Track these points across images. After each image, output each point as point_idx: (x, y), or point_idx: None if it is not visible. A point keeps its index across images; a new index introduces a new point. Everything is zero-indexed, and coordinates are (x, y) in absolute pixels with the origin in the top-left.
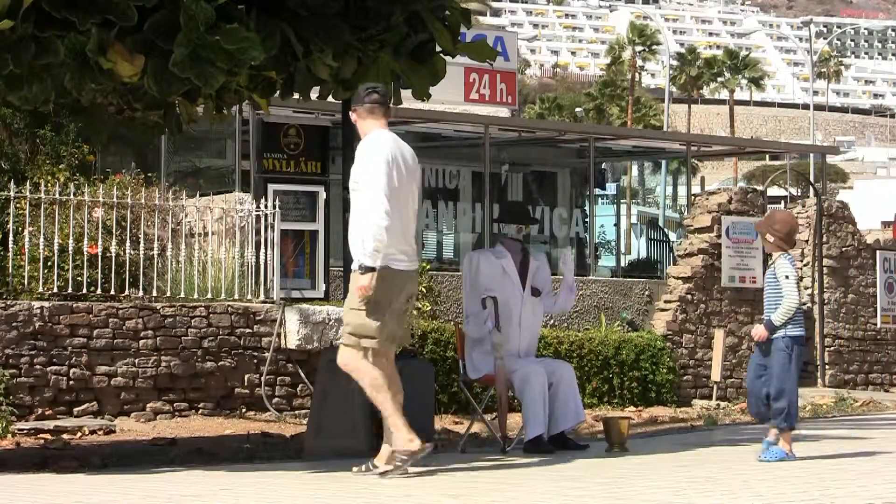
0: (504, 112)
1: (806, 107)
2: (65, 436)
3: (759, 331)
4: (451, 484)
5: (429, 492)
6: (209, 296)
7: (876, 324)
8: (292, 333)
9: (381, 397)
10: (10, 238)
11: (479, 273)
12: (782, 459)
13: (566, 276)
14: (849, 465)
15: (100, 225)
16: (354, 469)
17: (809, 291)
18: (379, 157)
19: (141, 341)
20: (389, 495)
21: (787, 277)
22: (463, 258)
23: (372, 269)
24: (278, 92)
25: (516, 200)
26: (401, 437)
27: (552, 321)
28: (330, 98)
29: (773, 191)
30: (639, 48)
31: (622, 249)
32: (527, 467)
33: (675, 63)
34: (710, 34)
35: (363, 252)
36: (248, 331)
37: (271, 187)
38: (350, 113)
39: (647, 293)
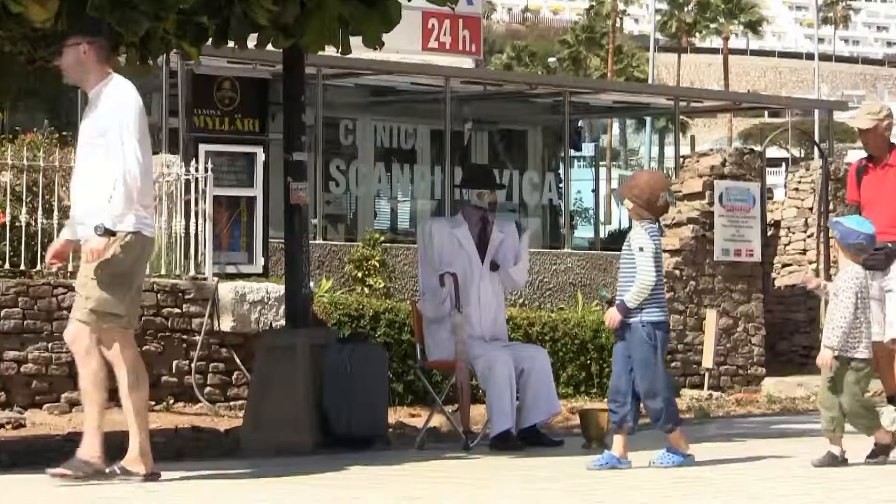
0: (467, 63)
1: (810, 56)
2: None
3: (610, 314)
4: (407, 485)
5: (381, 494)
6: None
7: None
8: (227, 314)
9: (94, 396)
10: None
11: (431, 244)
12: (682, 464)
13: (520, 256)
14: (859, 463)
15: (8, 191)
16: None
17: (814, 266)
18: (131, 103)
19: (55, 323)
20: (338, 497)
21: (641, 250)
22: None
23: (113, 234)
24: (210, 40)
25: (480, 163)
26: (92, 445)
27: (522, 300)
28: (269, 47)
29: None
30: None
31: (601, 219)
32: (493, 466)
33: (662, 6)
34: None
35: (111, 213)
36: (176, 311)
37: (203, 148)
38: (70, 47)
39: None
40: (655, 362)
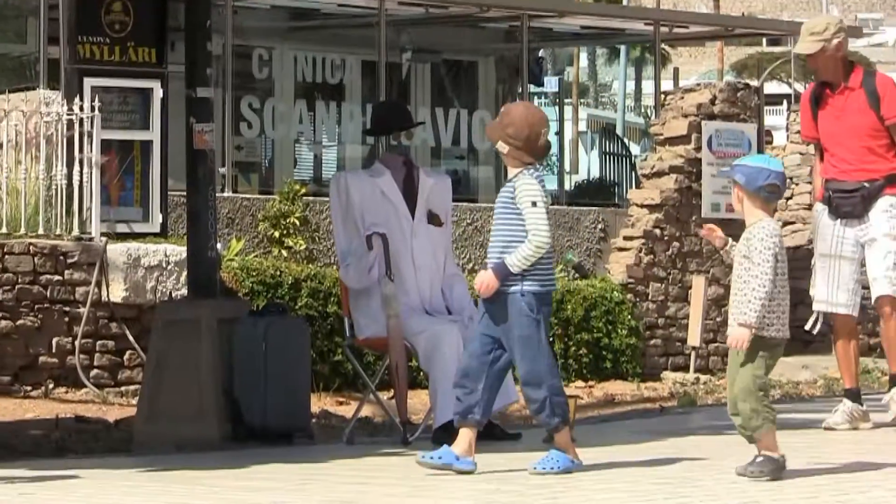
0: None
1: None
2: None
3: (484, 279)
4: (333, 487)
5: (302, 497)
6: (3, 231)
7: None
8: (117, 282)
9: None
10: None
11: (350, 200)
12: (566, 470)
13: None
14: (873, 461)
15: None
16: None
17: None
18: None
19: None
20: (247, 501)
21: (534, 205)
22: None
23: None
24: None
25: (390, 100)
26: None
27: (470, 264)
28: None
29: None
30: None
31: (566, 167)
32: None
33: None
34: None
35: None
36: (56, 278)
37: (89, 82)
38: None
39: (600, 227)
40: (539, 341)
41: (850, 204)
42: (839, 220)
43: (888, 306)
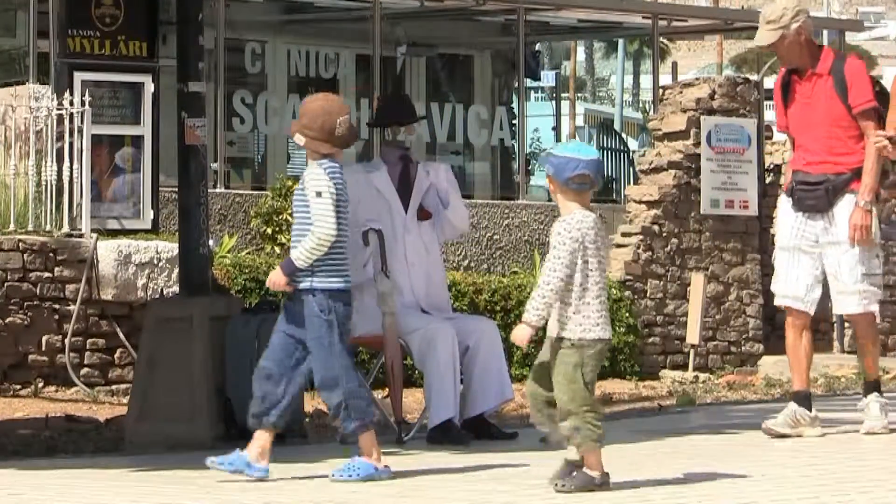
0: None
1: None
2: None
3: (273, 277)
4: (327, 487)
5: (294, 497)
6: None
7: None
8: (108, 279)
9: None
10: None
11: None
12: (368, 477)
13: (448, 192)
14: (876, 461)
15: None
16: None
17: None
18: None
19: None
20: (240, 502)
21: (319, 195)
22: None
23: None
24: None
25: (395, 93)
26: None
27: (466, 261)
28: None
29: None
30: None
31: None
32: (431, 464)
33: None
34: None
35: None
36: (46, 275)
37: (79, 76)
38: None
39: None
40: (332, 343)
41: (813, 197)
42: (802, 213)
43: (863, 323)
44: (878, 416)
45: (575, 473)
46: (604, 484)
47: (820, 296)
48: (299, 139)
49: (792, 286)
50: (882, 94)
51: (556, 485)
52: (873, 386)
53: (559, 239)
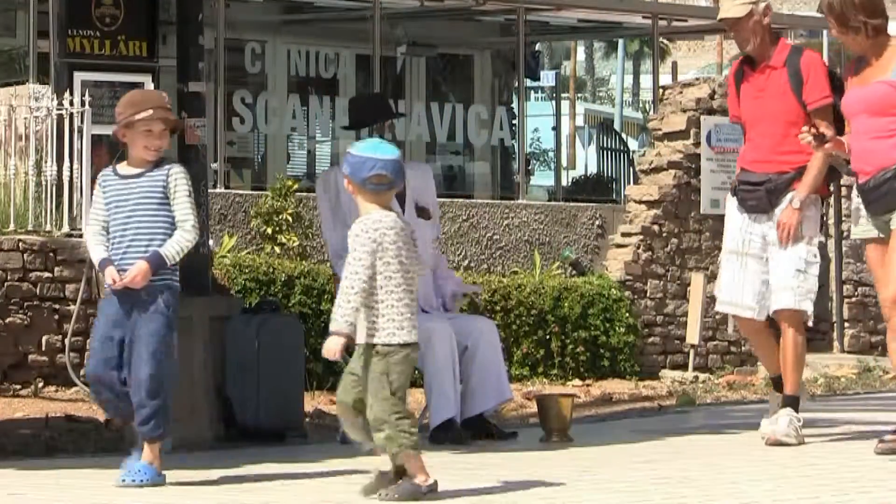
0: None
1: None
2: None
3: (138, 271)
4: (326, 487)
5: (296, 497)
6: None
7: None
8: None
9: None
10: None
11: (339, 198)
12: (155, 483)
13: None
14: (875, 462)
15: None
16: None
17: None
18: None
19: None
20: (240, 502)
21: (190, 194)
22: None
23: None
24: None
25: (367, 93)
26: None
27: (466, 262)
28: None
29: None
30: None
31: (563, 163)
32: (431, 463)
33: None
34: None
35: None
36: (46, 275)
37: (79, 77)
38: None
39: (597, 223)
40: (171, 343)
41: (754, 198)
42: (747, 214)
43: (787, 322)
44: (785, 430)
45: (400, 482)
46: (431, 490)
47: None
48: (121, 135)
49: (736, 293)
50: (842, 89)
51: (380, 495)
52: (790, 401)
53: (357, 241)
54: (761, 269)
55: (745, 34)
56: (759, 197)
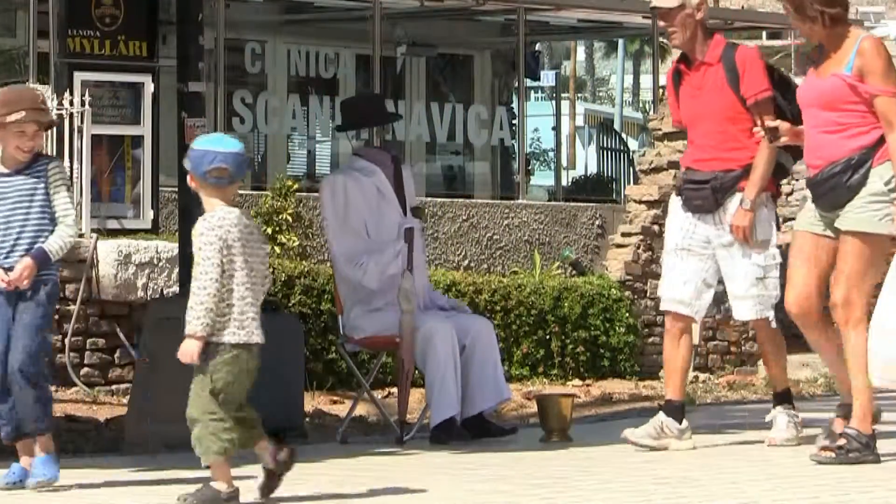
0: None
1: None
2: None
3: (25, 266)
4: (326, 486)
5: (295, 497)
6: None
7: None
8: (108, 278)
9: None
10: None
11: (349, 203)
12: (52, 481)
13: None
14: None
15: None
16: None
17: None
18: None
19: None
20: (243, 502)
21: (69, 189)
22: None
23: None
24: None
25: (363, 94)
26: None
27: (466, 261)
28: None
29: None
30: None
31: (563, 163)
32: (432, 463)
33: None
34: None
35: None
36: None
37: (79, 76)
38: None
39: (597, 223)
40: (47, 337)
41: (699, 197)
42: (691, 214)
43: (763, 329)
44: (783, 428)
45: (200, 486)
46: (231, 499)
47: (711, 301)
48: None
49: (678, 290)
50: (783, 82)
51: (179, 498)
52: (782, 397)
53: (203, 240)
54: (702, 267)
55: (675, 27)
56: (706, 196)
